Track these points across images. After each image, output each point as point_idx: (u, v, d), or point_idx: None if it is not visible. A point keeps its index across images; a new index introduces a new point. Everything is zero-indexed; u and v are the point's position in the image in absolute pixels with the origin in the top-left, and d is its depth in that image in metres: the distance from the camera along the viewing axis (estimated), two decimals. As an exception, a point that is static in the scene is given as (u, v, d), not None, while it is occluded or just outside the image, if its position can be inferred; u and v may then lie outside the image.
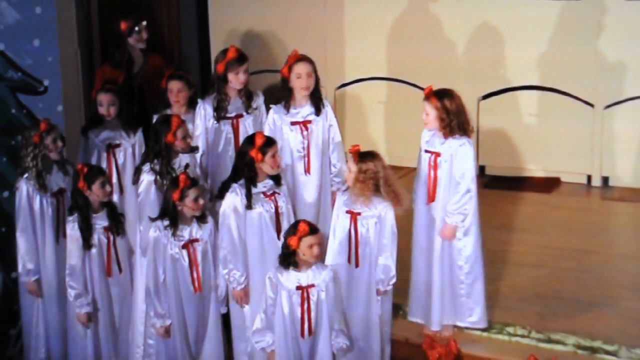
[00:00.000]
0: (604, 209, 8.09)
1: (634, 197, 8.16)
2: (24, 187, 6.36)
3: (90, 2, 8.38)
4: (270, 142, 6.03)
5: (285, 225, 5.97)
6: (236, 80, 6.65)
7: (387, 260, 5.98)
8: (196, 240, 5.97)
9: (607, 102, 8.25)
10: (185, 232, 5.96)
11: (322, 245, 5.83)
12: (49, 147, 6.34)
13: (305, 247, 5.63)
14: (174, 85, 6.91)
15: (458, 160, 6.10)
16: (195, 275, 5.98)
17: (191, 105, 6.90)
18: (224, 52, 6.73)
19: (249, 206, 5.96)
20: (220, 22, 9.32)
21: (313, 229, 5.66)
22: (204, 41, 9.40)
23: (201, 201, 5.93)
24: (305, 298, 5.72)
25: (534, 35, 8.36)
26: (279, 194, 6.09)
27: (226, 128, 6.75)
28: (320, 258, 5.80)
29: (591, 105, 8.31)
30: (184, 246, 5.94)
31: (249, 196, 5.98)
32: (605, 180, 8.43)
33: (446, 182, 6.14)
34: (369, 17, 8.86)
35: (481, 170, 8.64)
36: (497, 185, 8.44)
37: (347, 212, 5.99)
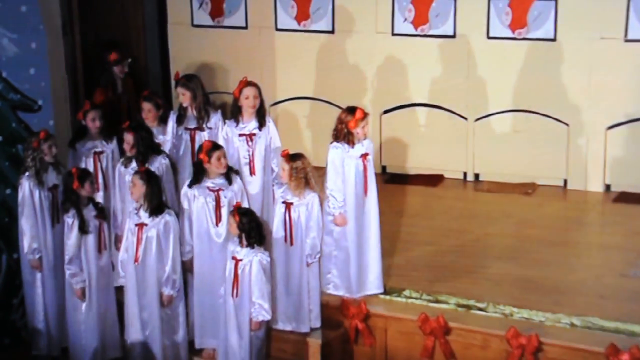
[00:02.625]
0: (476, 198, 8.17)
1: (499, 189, 8.25)
2: (26, 183, 6.31)
3: (74, 39, 8.25)
4: (215, 147, 6.07)
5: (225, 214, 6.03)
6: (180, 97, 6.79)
7: (314, 239, 6.04)
8: (145, 224, 6.00)
9: (477, 115, 8.37)
10: (143, 216, 6.00)
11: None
12: (45, 151, 6.30)
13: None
14: (144, 106, 6.97)
15: (371, 154, 6.24)
16: (136, 249, 6.00)
17: (162, 120, 6.91)
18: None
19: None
20: (178, 53, 9.25)
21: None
22: (165, 68, 9.39)
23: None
24: (235, 268, 5.82)
25: (422, 64, 8.43)
26: (223, 190, 6.07)
27: (186, 137, 6.78)
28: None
29: (465, 118, 8.41)
30: (137, 224, 6.01)
31: (190, 185, 6.07)
32: (477, 176, 8.50)
33: (373, 174, 6.23)
34: (295, 51, 8.80)
35: (383, 169, 8.70)
36: (395, 181, 8.47)
37: (283, 202, 6.06)
